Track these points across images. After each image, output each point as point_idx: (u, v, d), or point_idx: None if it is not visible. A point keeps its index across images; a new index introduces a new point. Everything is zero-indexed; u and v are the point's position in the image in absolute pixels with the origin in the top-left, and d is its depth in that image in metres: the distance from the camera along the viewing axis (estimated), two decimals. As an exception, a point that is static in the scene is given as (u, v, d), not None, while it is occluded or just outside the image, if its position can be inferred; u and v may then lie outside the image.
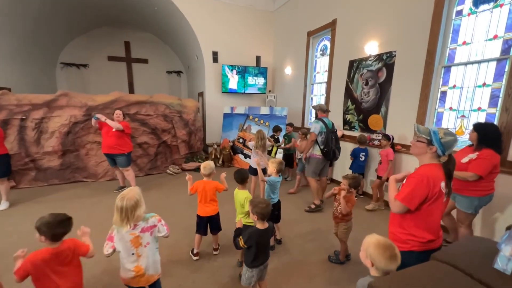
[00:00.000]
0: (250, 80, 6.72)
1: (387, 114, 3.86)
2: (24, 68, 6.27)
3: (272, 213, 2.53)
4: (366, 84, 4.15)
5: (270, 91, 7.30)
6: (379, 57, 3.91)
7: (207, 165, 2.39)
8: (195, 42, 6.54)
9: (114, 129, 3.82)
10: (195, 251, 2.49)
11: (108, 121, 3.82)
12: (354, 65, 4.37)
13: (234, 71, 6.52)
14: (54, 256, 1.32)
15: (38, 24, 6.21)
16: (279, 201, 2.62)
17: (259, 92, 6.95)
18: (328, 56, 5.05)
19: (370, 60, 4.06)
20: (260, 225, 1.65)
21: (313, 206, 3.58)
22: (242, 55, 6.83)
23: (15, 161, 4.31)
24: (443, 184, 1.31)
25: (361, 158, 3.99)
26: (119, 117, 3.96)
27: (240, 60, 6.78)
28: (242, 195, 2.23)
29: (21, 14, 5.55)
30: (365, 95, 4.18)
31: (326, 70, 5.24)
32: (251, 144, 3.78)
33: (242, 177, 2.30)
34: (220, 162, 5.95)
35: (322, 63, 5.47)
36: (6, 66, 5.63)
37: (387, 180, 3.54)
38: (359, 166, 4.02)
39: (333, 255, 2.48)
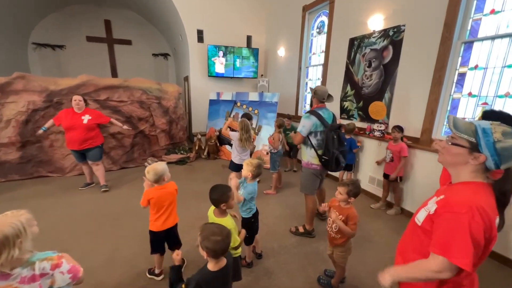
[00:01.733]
0: (240, 63, 6.06)
1: (391, 101, 3.31)
2: (-16, 47, 5.57)
3: (253, 226, 2.06)
4: (369, 65, 3.56)
5: (262, 75, 6.66)
6: (384, 33, 3.30)
7: (151, 170, 1.80)
8: (178, 20, 5.82)
9: (85, 122, 3.36)
10: (157, 271, 2.03)
11: (117, 122, 3.72)
12: (355, 44, 3.76)
13: (221, 52, 5.85)
14: None
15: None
16: (257, 210, 2.13)
17: (250, 77, 6.31)
18: (326, 34, 4.41)
19: (374, 37, 3.45)
20: (213, 265, 1.15)
21: (301, 230, 2.69)
22: (231, 34, 6.13)
23: (-36, 154, 3.78)
24: (497, 219, 0.81)
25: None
26: (79, 104, 3.38)
27: (229, 40, 6.09)
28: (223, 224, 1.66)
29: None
30: (367, 78, 3.61)
31: (322, 51, 4.61)
32: (233, 135, 3.25)
33: (219, 199, 1.60)
34: (205, 153, 5.45)
35: (319, 42, 4.83)
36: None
37: (396, 179, 3.03)
38: (348, 158, 3.52)
39: (324, 276, 2.02)
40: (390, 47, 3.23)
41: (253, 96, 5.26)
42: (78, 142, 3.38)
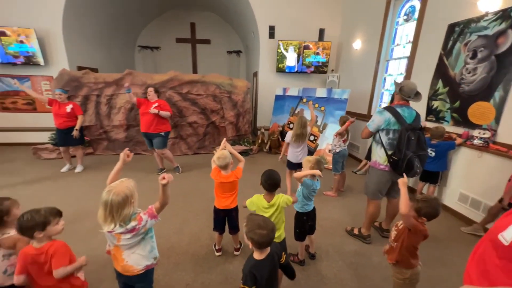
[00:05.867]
0: (309, 57, 5.87)
1: (504, 102, 2.58)
2: (108, 50, 7.22)
3: (305, 224, 2.04)
4: (473, 56, 2.86)
5: (332, 70, 6.27)
6: (502, 15, 2.57)
7: (220, 155, 2.00)
8: (252, 17, 6.06)
9: (152, 112, 3.66)
10: (217, 247, 2.26)
11: (162, 113, 3.73)
12: (456, 31, 3.07)
13: (291, 47, 5.80)
14: None
15: (118, 10, 6.92)
16: (314, 209, 2.07)
17: (319, 72, 6.05)
18: (416, 21, 3.76)
19: (485, 20, 2.73)
20: (258, 254, 1.18)
21: (356, 231, 2.56)
22: (302, 28, 5.99)
23: (92, 132, 5.06)
24: None
25: (430, 154, 2.95)
26: (149, 95, 3.75)
27: (300, 34, 5.96)
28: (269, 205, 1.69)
29: (103, 0, 6.23)
30: (469, 73, 2.91)
31: (409, 41, 3.97)
32: (288, 134, 3.22)
33: (274, 183, 1.68)
34: (267, 147, 5.59)
35: (405, 31, 4.18)
36: (94, 49, 6.55)
37: (509, 205, 2.28)
38: (427, 163, 2.94)
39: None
40: (510, 32, 2.50)
41: (321, 92, 5.03)
42: (145, 126, 3.78)
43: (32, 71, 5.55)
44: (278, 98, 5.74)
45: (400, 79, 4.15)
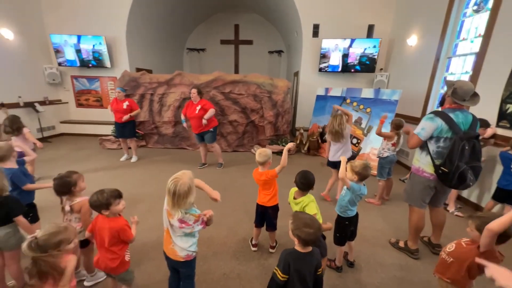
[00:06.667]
0: (355, 56, 5.56)
1: None
2: (161, 53, 7.94)
3: (346, 229, 1.95)
4: None
5: (381, 69, 5.83)
6: None
7: (262, 152, 2.06)
8: (296, 16, 6.00)
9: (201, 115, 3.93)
10: (253, 242, 2.33)
11: (207, 116, 3.93)
12: (545, 20, 2.56)
13: (336, 46, 5.56)
14: None
15: (170, 17, 7.56)
16: (357, 214, 1.97)
17: (366, 71, 5.68)
18: (489, 11, 3.26)
19: None
20: (300, 248, 1.21)
21: (401, 244, 2.34)
22: (348, 26, 5.70)
23: (146, 127, 5.64)
24: None
25: None
26: (193, 96, 4.00)
27: (345, 32, 5.69)
28: (303, 201, 1.75)
29: (159, 8, 6.87)
30: (561, 70, 2.40)
31: (480, 35, 3.46)
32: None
33: (307, 183, 1.73)
34: (305, 148, 5.48)
35: (474, 24, 3.65)
36: (149, 52, 7.28)
37: None
38: (509, 182, 2.52)
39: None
40: None
41: (367, 93, 4.72)
42: (196, 128, 4.08)
43: (101, 73, 6.44)
44: (319, 98, 5.58)
45: (465, 78, 3.64)
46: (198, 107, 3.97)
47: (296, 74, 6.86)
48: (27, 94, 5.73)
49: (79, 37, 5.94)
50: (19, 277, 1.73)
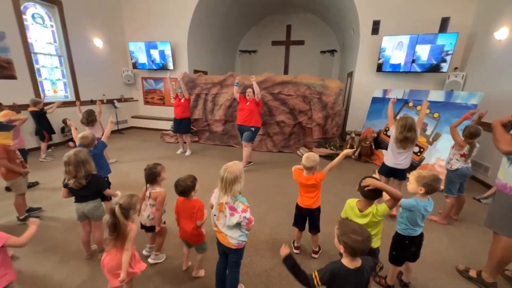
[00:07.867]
0: (422, 53, 4.92)
1: None
2: (215, 56, 8.48)
3: (405, 248, 1.73)
4: None
5: (456, 68, 5.03)
6: None
7: (311, 156, 1.99)
8: (354, 13, 5.65)
9: (252, 99, 4.16)
10: (295, 244, 2.30)
11: (255, 84, 4.15)
12: None
13: (401, 43, 5.02)
14: None
15: (225, 21, 8.01)
16: (421, 235, 1.72)
17: (436, 71, 4.97)
18: None
19: None
20: (347, 262, 1.10)
21: (473, 274, 1.98)
22: (416, 20, 5.08)
23: (199, 124, 6.11)
24: None
25: None
26: (249, 95, 4.23)
27: (412, 27, 5.09)
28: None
29: (216, 15, 7.35)
30: None
31: None
32: (391, 135, 2.76)
33: (375, 189, 1.46)
34: (356, 154, 5.11)
35: None
36: (205, 55, 7.85)
37: None
38: None
39: None
40: None
41: (436, 95, 4.13)
42: (241, 119, 4.26)
43: (165, 74, 7.21)
44: (375, 100, 5.13)
45: None
46: (249, 102, 4.21)
47: (350, 74, 6.45)
48: (109, 92, 6.87)
49: (150, 44, 6.81)
50: (100, 242, 2.13)
